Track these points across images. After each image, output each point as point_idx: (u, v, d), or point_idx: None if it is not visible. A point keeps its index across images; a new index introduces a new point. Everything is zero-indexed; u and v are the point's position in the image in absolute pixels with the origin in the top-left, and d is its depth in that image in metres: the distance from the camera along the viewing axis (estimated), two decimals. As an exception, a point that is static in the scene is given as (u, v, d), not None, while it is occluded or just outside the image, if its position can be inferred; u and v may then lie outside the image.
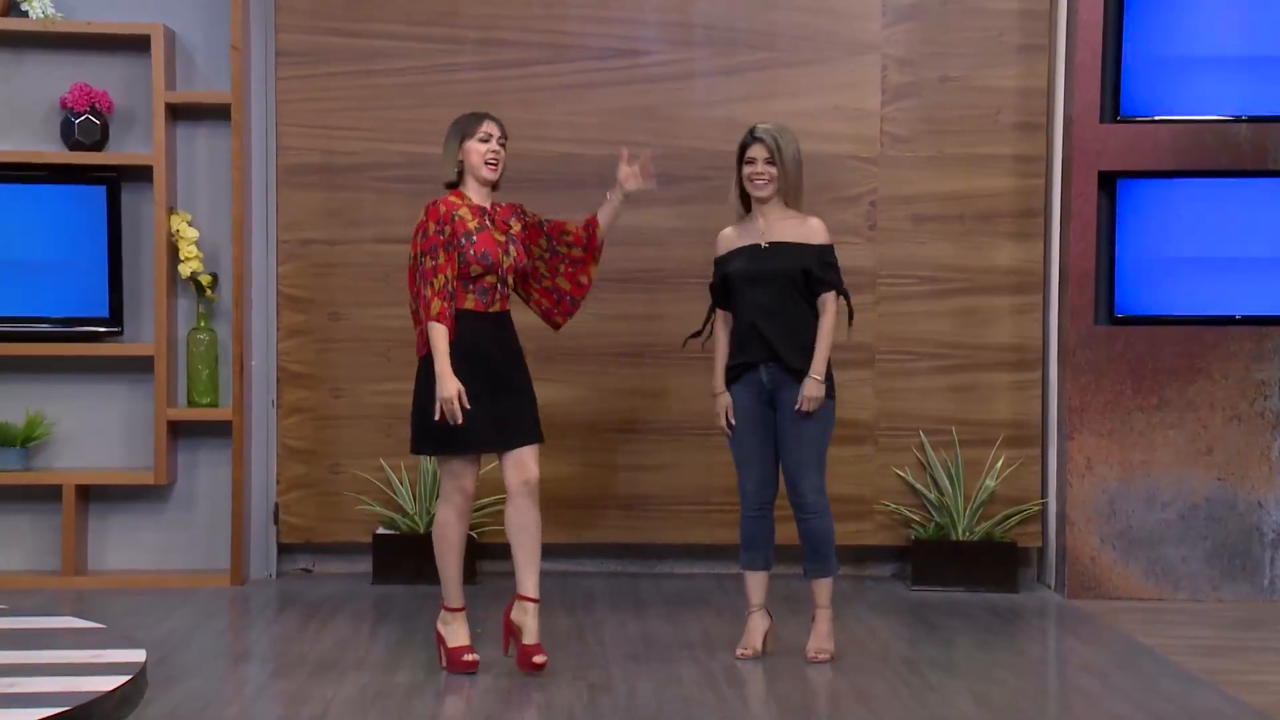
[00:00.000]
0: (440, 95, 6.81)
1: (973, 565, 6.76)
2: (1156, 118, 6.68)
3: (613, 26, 6.88)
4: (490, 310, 5.28)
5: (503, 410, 5.26)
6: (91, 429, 6.84)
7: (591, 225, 5.48)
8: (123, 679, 4.69)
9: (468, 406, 5.15)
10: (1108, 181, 6.69)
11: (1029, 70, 6.87)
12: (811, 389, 5.35)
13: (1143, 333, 6.70)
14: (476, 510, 6.69)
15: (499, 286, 5.29)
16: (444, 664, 5.35)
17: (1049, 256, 6.90)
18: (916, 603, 6.54)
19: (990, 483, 6.83)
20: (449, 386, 5.13)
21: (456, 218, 5.25)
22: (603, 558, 7.08)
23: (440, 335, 5.16)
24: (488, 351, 5.26)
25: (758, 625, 5.58)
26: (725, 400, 5.51)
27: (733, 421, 5.49)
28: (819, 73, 6.88)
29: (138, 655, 5.03)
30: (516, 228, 5.39)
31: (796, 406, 5.36)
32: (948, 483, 6.83)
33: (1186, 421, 6.68)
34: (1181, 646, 5.80)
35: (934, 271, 6.91)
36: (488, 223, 5.30)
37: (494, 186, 5.38)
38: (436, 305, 5.16)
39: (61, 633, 5.49)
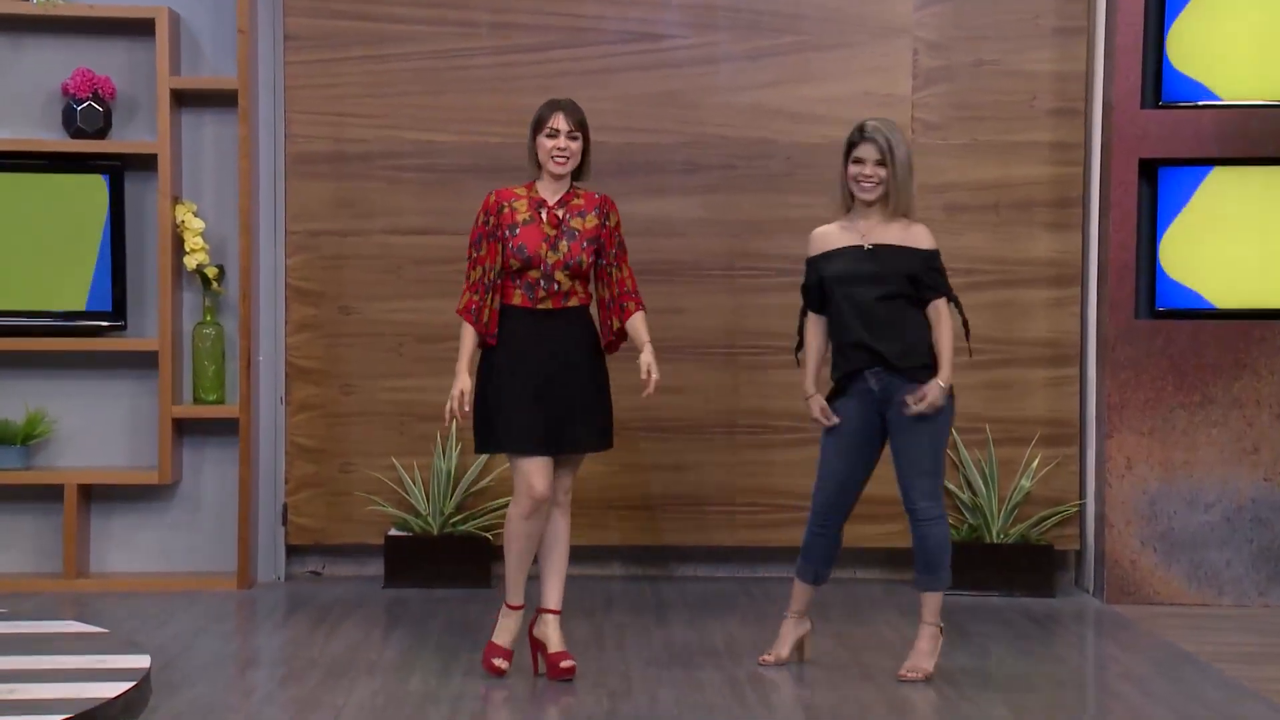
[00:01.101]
0: (454, 81, 6.76)
1: (1007, 568, 6.66)
2: (1200, 103, 6.56)
3: (633, 9, 6.80)
4: (539, 307, 5.16)
5: (549, 413, 5.13)
6: (94, 427, 6.77)
7: (622, 332, 5.29)
8: (126, 685, 4.66)
9: (467, 409, 5.13)
10: (1149, 169, 6.58)
11: (1067, 54, 6.76)
12: (935, 393, 5.14)
13: (1185, 327, 6.59)
14: (491, 511, 6.62)
15: (542, 282, 5.15)
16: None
17: (1087, 248, 6.80)
18: (949, 607, 6.36)
19: (1026, 483, 6.73)
20: (456, 383, 5.14)
21: (506, 209, 5.18)
22: (623, 561, 6.98)
23: (465, 331, 5.18)
24: (533, 349, 5.15)
25: (789, 630, 5.45)
26: (818, 400, 5.28)
27: (836, 420, 5.24)
28: (847, 57, 6.78)
29: (142, 661, 5.03)
30: (590, 223, 5.20)
31: (911, 403, 5.13)
32: (981, 483, 6.73)
33: (1231, 419, 6.56)
34: (1225, 653, 5.72)
35: (968, 263, 6.78)
36: (540, 216, 5.16)
37: (574, 178, 5.23)
38: (465, 299, 5.19)
39: (63, 637, 5.52)
